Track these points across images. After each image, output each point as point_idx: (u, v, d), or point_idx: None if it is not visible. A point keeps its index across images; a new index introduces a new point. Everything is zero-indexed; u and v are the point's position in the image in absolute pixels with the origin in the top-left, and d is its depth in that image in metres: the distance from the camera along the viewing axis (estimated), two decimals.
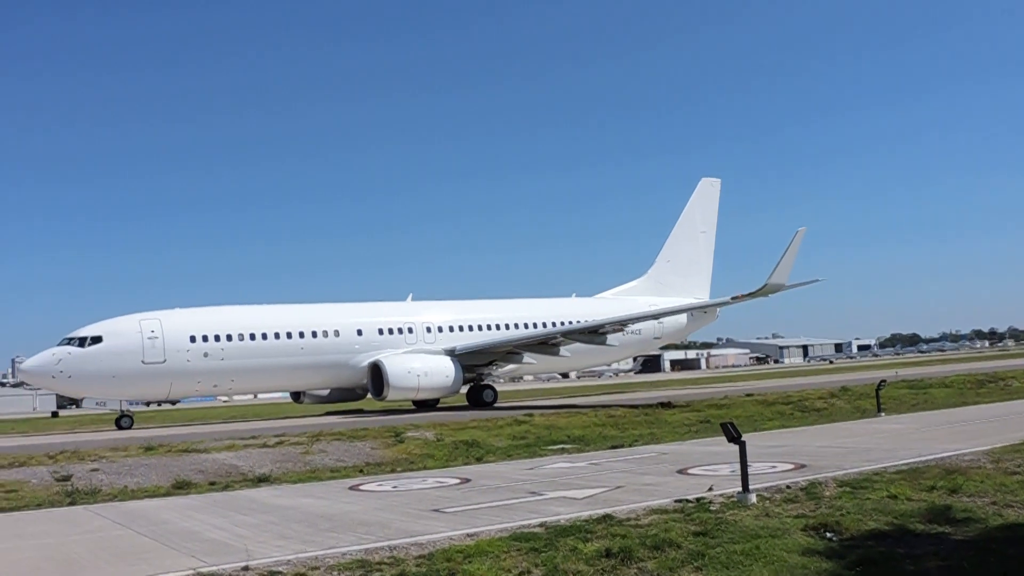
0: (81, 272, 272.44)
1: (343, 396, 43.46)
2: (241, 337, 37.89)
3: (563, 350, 42.70)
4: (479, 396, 41.76)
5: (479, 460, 19.91)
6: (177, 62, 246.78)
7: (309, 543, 10.69)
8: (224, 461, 20.49)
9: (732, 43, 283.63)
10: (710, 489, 12.70)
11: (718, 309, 49.94)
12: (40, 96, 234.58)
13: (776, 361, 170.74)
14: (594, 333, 42.16)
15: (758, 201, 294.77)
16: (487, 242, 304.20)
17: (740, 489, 11.94)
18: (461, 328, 42.72)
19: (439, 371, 39.11)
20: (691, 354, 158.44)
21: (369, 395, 41.08)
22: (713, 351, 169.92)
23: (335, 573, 9.22)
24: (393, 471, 18.71)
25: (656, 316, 44.57)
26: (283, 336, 38.96)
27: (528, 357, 42.28)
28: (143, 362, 35.73)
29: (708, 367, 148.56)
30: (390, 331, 41.47)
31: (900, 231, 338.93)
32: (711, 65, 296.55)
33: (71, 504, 15.55)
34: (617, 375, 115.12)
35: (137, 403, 46.09)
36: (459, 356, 40.47)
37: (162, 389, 37.47)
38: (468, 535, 10.56)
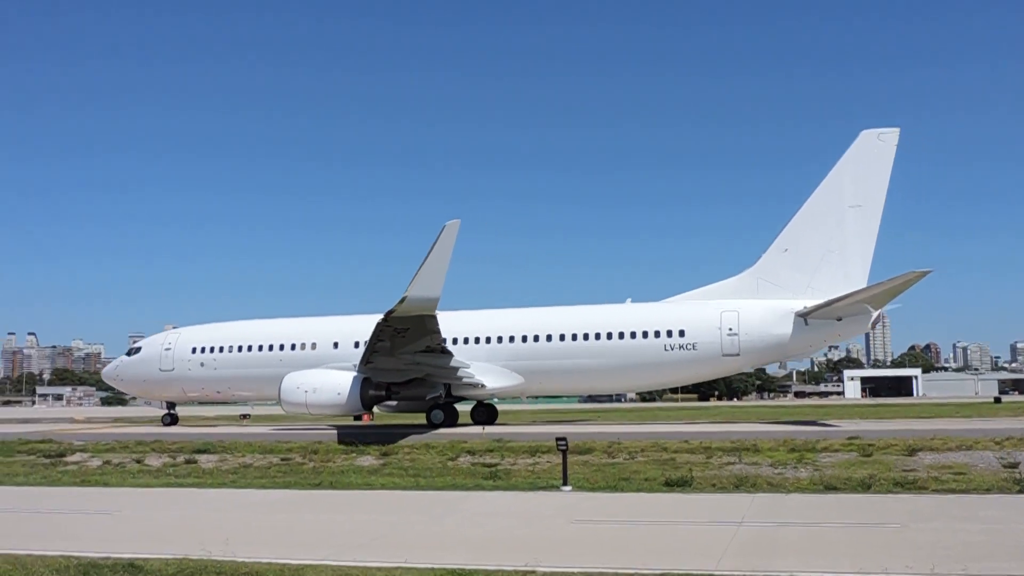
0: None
1: (410, 407, 41.96)
2: (231, 349, 42.77)
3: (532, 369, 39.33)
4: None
5: None
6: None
7: None
8: None
9: None
10: None
11: (874, 314, 36.20)
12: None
13: None
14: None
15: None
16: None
17: None
18: (455, 341, 38.95)
19: (330, 387, 37.15)
20: None
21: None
22: None
23: None
24: None
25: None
26: (265, 348, 42.46)
27: (489, 377, 38.83)
28: (160, 370, 43.28)
29: None
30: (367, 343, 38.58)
31: None
32: None
33: (1019, 492, 15.29)
34: None
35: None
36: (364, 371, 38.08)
37: (177, 393, 43.98)
38: None
